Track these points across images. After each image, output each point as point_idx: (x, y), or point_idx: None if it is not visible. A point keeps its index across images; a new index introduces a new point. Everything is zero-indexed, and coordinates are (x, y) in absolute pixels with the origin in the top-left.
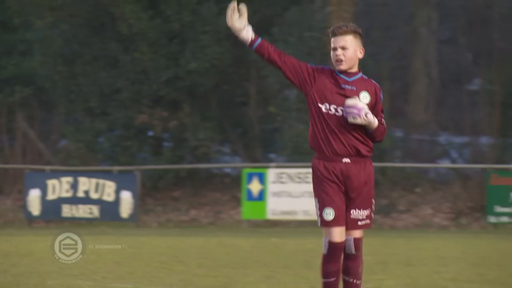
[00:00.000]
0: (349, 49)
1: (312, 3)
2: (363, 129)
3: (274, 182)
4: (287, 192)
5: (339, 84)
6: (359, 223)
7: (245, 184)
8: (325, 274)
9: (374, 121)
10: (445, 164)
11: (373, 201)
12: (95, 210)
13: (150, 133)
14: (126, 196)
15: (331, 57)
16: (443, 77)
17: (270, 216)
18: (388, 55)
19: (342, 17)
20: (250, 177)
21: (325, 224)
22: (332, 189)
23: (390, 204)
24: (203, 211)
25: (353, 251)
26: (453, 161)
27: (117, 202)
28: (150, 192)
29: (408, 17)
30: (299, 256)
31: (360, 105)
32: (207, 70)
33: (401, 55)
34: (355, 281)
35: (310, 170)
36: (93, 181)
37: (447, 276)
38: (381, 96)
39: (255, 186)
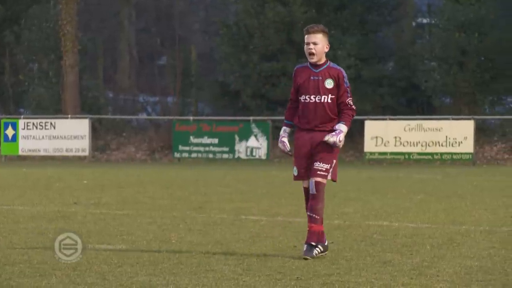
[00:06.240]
0: (319, 44)
1: (48, 3)
2: (327, 112)
3: (23, 129)
4: (32, 136)
5: (309, 78)
6: (318, 172)
7: (3, 130)
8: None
9: (345, 131)
10: (143, 116)
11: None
12: None
13: None
14: None
15: (305, 50)
16: (141, 55)
17: (21, 153)
18: (102, 39)
19: (69, 12)
20: (6, 125)
21: (294, 177)
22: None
23: (105, 144)
24: None
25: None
26: (149, 114)
27: None
28: None
29: (116, 12)
30: (41, 181)
31: (332, 140)
32: None
33: (111, 39)
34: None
35: (49, 120)
36: None
37: (147, 194)
38: (345, 79)
39: (10, 132)
